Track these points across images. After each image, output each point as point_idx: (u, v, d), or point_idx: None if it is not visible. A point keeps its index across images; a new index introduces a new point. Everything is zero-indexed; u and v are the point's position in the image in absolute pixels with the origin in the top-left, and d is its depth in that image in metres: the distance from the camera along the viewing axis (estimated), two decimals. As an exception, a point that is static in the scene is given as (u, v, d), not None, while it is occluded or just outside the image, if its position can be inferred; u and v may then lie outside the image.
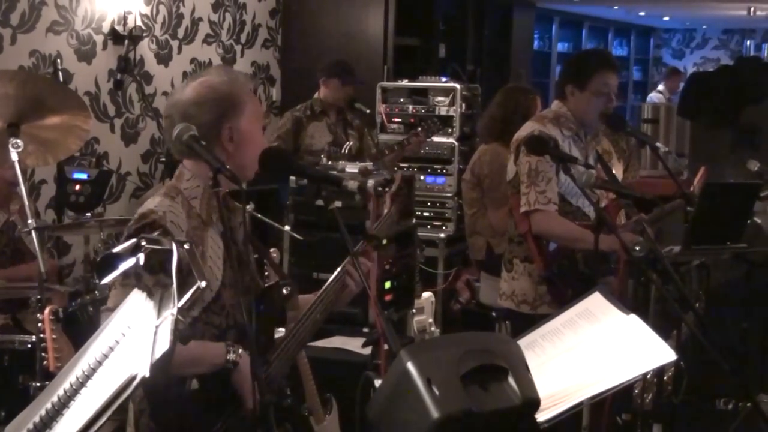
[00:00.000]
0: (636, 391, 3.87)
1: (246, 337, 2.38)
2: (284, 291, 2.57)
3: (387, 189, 2.87)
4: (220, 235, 2.45)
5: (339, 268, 2.69)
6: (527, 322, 3.62)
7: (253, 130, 2.46)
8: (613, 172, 4.94)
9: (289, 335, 2.57)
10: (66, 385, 1.73)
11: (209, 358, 2.34)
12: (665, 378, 3.90)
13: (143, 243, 2.01)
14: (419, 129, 5.74)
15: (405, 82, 6.64)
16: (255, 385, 2.18)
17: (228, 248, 2.43)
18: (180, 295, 1.79)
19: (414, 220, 4.98)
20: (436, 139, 6.26)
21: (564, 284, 3.67)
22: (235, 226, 2.53)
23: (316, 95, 5.92)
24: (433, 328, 4.94)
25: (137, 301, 1.82)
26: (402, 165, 6.10)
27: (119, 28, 5.97)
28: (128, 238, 2.29)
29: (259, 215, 4.35)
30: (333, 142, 5.76)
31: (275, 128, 6.03)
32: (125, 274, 2.26)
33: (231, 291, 2.44)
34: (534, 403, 2.11)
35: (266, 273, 3.62)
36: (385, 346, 3.64)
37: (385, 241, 4.52)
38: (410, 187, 4.93)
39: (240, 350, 2.36)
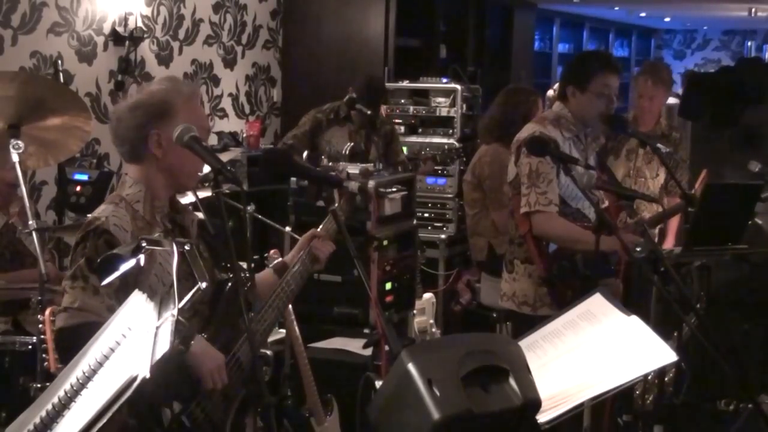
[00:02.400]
0: (637, 392, 3.87)
1: (206, 327, 2.44)
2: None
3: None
4: (165, 233, 2.49)
5: (300, 251, 2.75)
6: (528, 323, 3.62)
7: None
8: (656, 174, 4.92)
9: (256, 319, 2.60)
10: (67, 387, 1.74)
11: None
12: (666, 379, 3.90)
13: (144, 244, 2.01)
14: (435, 157, 5.64)
15: (406, 83, 6.64)
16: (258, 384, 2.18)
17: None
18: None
19: (415, 221, 4.99)
20: (437, 139, 6.27)
21: (564, 285, 3.67)
22: (187, 225, 2.59)
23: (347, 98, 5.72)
24: (434, 329, 4.95)
25: (138, 302, 1.83)
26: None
27: (120, 29, 5.97)
28: (76, 246, 2.43)
29: (260, 216, 4.35)
30: (353, 148, 5.61)
31: (296, 126, 5.81)
32: (73, 277, 2.38)
33: (187, 284, 2.42)
34: (535, 404, 2.12)
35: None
36: (386, 347, 3.64)
37: (386, 242, 4.53)
38: (411, 188, 4.93)
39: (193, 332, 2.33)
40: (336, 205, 2.84)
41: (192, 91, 2.60)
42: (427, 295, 4.98)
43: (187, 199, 3.25)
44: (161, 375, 2.11)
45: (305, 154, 5.48)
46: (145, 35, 6.17)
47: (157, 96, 2.49)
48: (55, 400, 1.73)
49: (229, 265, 2.53)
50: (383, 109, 6.43)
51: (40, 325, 3.31)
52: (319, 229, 2.82)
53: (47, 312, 3.07)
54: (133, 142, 2.48)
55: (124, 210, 2.47)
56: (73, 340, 2.32)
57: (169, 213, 2.55)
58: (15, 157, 3.31)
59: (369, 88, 5.60)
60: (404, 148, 6.09)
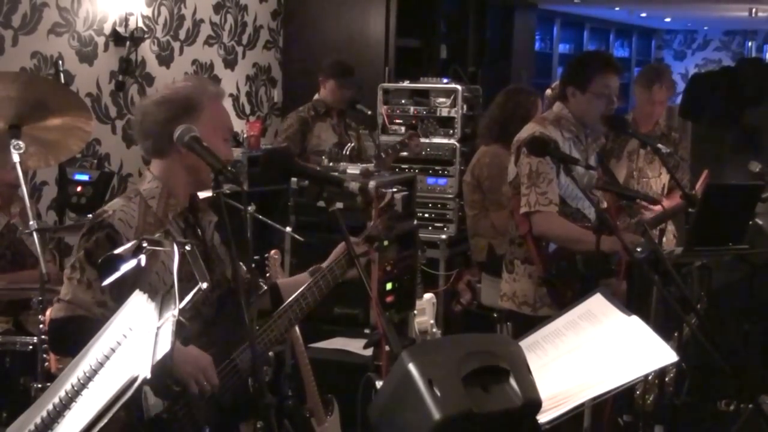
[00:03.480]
0: (638, 392, 3.87)
1: (209, 329, 2.45)
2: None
3: (384, 195, 2.91)
4: (178, 232, 2.49)
5: (336, 256, 2.77)
6: (528, 323, 3.62)
7: (208, 135, 2.46)
8: (659, 174, 4.92)
9: (274, 320, 2.62)
10: (67, 387, 1.73)
11: None
12: (667, 379, 3.90)
13: (145, 244, 2.01)
14: (417, 130, 5.75)
15: (406, 84, 6.64)
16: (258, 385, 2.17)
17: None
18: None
19: (415, 222, 4.99)
20: (437, 140, 6.26)
21: (563, 286, 3.67)
22: (205, 225, 2.61)
23: (317, 95, 5.89)
24: (434, 330, 4.94)
25: (138, 302, 1.83)
26: (403, 166, 6.09)
27: (121, 30, 5.97)
28: (80, 237, 2.47)
29: (260, 216, 4.35)
30: (338, 142, 5.72)
31: (281, 130, 5.98)
32: (72, 267, 2.43)
33: (189, 285, 2.44)
34: (535, 405, 2.11)
35: (267, 274, 3.63)
36: (387, 348, 3.64)
37: (386, 243, 4.53)
38: (412, 188, 4.93)
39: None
40: (373, 223, 2.89)
41: (217, 90, 2.61)
42: (428, 296, 4.97)
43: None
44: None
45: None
46: (146, 35, 6.17)
47: (183, 92, 2.51)
48: (56, 400, 1.73)
49: (244, 266, 2.52)
50: (384, 109, 6.45)
51: (41, 326, 3.31)
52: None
53: (48, 312, 3.07)
54: (158, 137, 2.48)
55: (136, 205, 2.48)
56: (59, 332, 2.42)
57: (184, 212, 2.55)
58: (16, 158, 3.31)
59: (337, 67, 5.72)
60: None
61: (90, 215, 5.11)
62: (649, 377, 3.77)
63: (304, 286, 2.71)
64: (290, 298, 2.68)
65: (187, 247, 2.02)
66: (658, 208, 4.31)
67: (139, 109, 2.56)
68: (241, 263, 2.49)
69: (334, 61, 5.91)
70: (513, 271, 3.84)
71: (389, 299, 4.54)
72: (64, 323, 2.40)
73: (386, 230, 2.95)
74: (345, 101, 5.82)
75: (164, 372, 2.26)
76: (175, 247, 2.01)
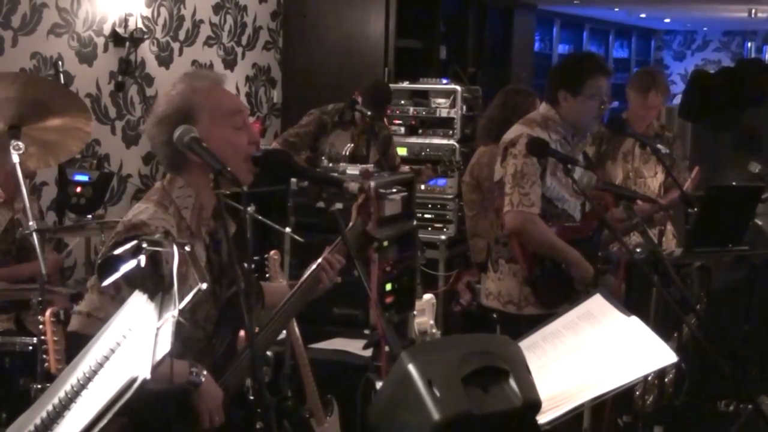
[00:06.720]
0: (637, 393, 3.87)
1: (210, 350, 2.41)
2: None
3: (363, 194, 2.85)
4: (204, 248, 2.42)
5: (314, 266, 2.70)
6: (513, 322, 3.64)
7: (215, 132, 2.37)
8: (655, 173, 4.93)
9: (259, 334, 2.56)
10: (67, 388, 1.73)
11: (170, 376, 2.03)
12: (666, 380, 3.90)
13: (144, 245, 2.00)
14: (436, 165, 5.67)
15: (406, 84, 6.64)
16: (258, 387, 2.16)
17: (210, 260, 2.43)
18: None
19: (415, 222, 4.99)
20: (437, 140, 6.27)
21: (548, 286, 3.67)
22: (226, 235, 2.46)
23: None
24: (434, 330, 4.95)
25: (138, 303, 1.82)
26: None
27: (120, 30, 5.97)
28: (115, 246, 2.24)
29: (260, 217, 4.35)
30: (354, 151, 5.61)
31: (299, 123, 5.77)
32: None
33: (208, 304, 2.42)
34: (535, 405, 2.11)
35: (267, 275, 3.64)
36: (386, 348, 3.64)
37: (386, 243, 4.53)
38: (411, 189, 4.94)
39: (204, 371, 2.30)
40: (351, 224, 2.84)
41: (211, 81, 2.46)
42: (428, 296, 4.98)
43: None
44: (162, 405, 2.09)
45: (304, 156, 5.50)
46: (146, 36, 6.18)
47: (174, 102, 2.38)
48: (56, 401, 1.73)
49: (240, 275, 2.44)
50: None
51: (41, 326, 3.31)
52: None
53: (47, 313, 3.07)
54: (170, 155, 2.38)
55: (171, 216, 2.37)
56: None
57: (213, 227, 2.46)
58: (15, 158, 3.31)
59: (375, 93, 5.60)
60: (404, 148, 6.13)
61: (89, 216, 5.16)
62: (649, 378, 3.77)
63: (287, 296, 2.65)
64: (276, 310, 2.62)
65: (187, 248, 2.02)
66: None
67: (146, 132, 2.45)
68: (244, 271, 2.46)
69: (374, 86, 5.70)
70: (498, 270, 3.85)
71: (389, 300, 4.55)
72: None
73: (363, 225, 2.88)
74: (347, 101, 5.68)
75: (184, 398, 2.25)
76: (175, 248, 2.00)
